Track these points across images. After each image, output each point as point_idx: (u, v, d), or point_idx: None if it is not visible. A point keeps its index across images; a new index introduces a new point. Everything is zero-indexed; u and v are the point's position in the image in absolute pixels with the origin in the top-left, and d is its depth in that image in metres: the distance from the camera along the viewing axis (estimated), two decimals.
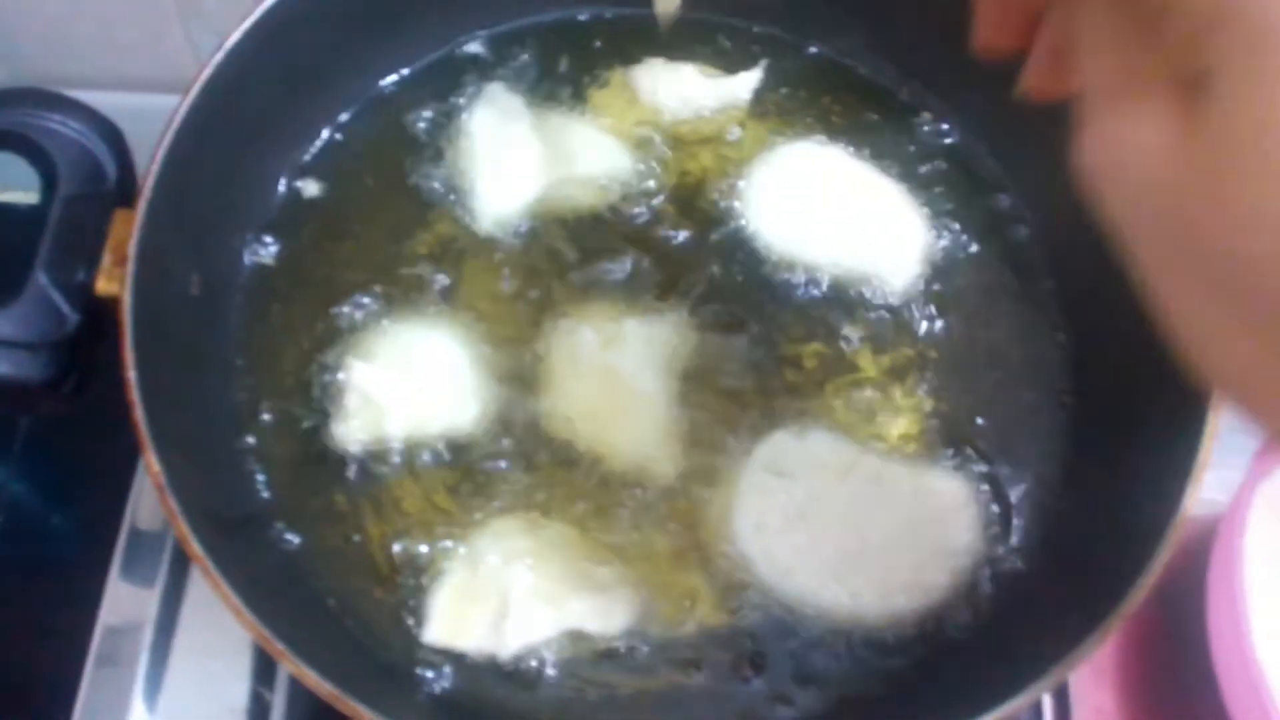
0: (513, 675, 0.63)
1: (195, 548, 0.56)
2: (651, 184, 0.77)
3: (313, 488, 0.67)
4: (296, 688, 0.73)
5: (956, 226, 0.77)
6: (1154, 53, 0.34)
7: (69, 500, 0.89)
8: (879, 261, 0.75)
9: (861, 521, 0.66)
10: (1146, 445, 0.64)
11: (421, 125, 0.79)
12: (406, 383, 0.69)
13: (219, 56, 0.67)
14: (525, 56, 0.82)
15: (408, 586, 0.65)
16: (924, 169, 0.79)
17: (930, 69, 0.80)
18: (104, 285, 0.62)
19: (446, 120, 0.79)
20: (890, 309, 0.74)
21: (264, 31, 0.68)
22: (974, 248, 0.76)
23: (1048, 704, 0.75)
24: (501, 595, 0.63)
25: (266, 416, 0.69)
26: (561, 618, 0.63)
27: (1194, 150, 0.32)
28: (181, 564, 0.77)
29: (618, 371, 0.70)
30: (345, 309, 0.72)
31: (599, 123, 0.79)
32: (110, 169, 0.67)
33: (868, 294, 0.74)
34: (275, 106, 0.73)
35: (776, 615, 0.65)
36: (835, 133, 0.80)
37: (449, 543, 0.66)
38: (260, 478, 0.68)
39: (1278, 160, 0.30)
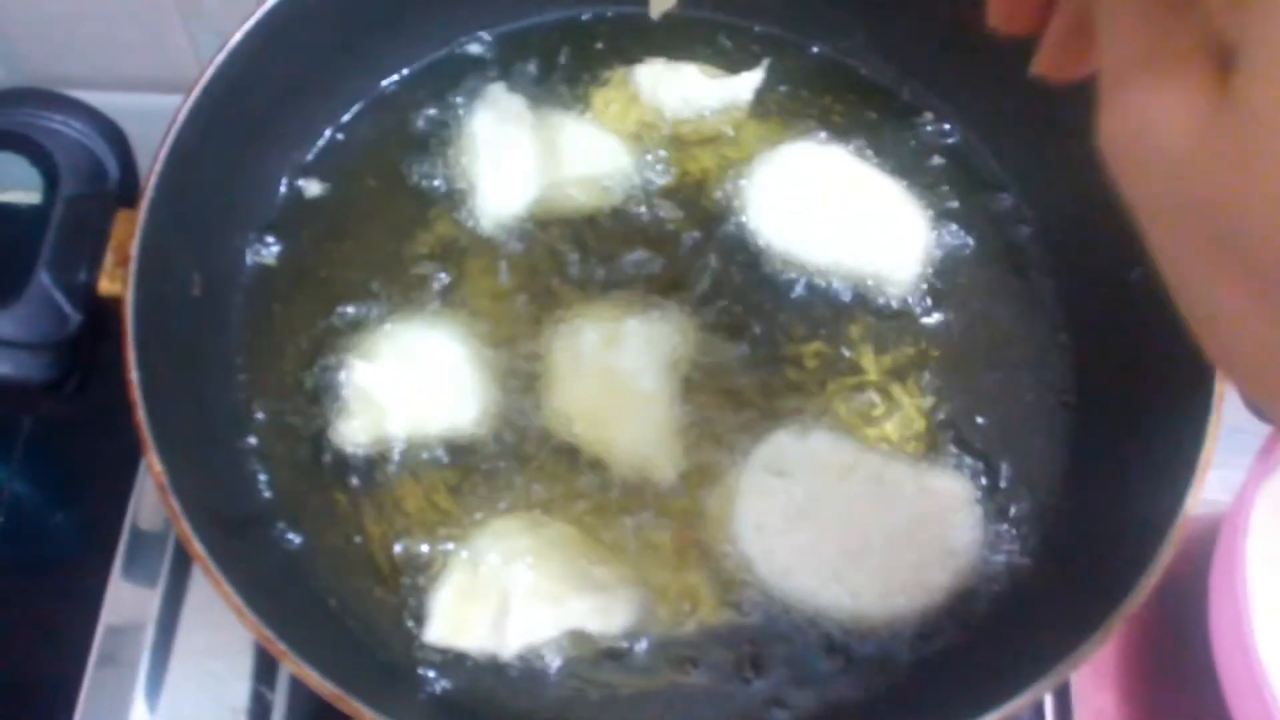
0: (514, 675, 0.63)
1: (197, 547, 0.56)
2: (653, 184, 0.77)
3: (314, 487, 0.67)
4: (297, 687, 0.73)
5: (958, 226, 0.77)
6: (1182, 24, 0.34)
7: (71, 500, 0.89)
8: (880, 261, 0.75)
9: (862, 521, 0.66)
10: (1148, 445, 0.64)
11: (423, 125, 0.79)
12: (408, 382, 0.69)
13: (221, 56, 0.67)
14: (526, 56, 0.82)
15: (409, 586, 0.65)
16: (925, 168, 0.79)
17: (932, 68, 0.80)
18: (106, 285, 0.62)
19: (448, 120, 0.79)
20: (892, 308, 0.74)
21: (265, 31, 0.68)
22: (975, 247, 0.76)
23: (1049, 704, 0.75)
24: (502, 595, 0.63)
25: (268, 416, 0.69)
26: (562, 617, 0.63)
27: (1222, 125, 0.32)
28: (183, 564, 0.77)
29: (619, 371, 0.70)
30: (347, 309, 0.72)
31: (600, 123, 0.79)
32: (112, 169, 0.67)
33: (869, 293, 0.74)
34: (277, 106, 0.74)
35: (777, 615, 0.65)
36: (837, 132, 0.80)
37: (450, 543, 0.66)
38: (262, 477, 0.68)
39: None
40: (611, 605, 0.64)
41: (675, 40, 0.81)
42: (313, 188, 0.77)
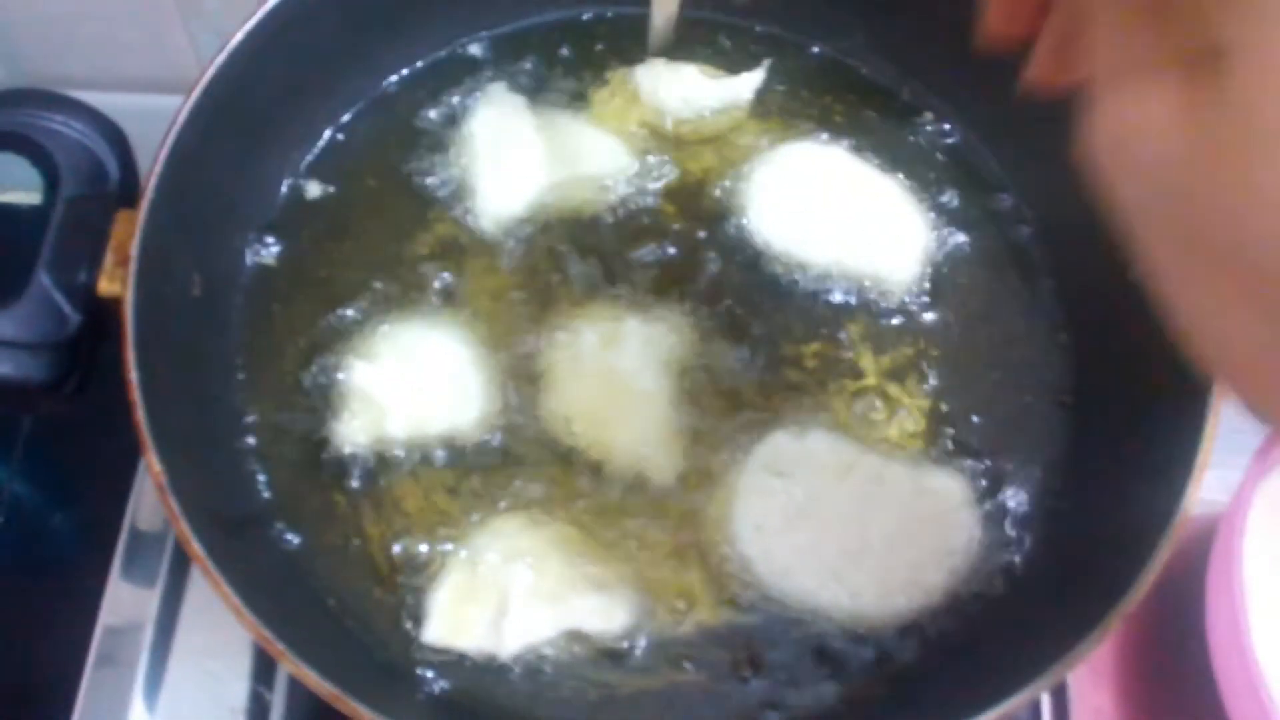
0: (512, 675, 0.63)
1: (196, 548, 0.56)
2: (653, 184, 0.77)
3: (313, 488, 0.68)
4: (296, 687, 0.73)
5: (958, 226, 0.77)
6: (1165, 29, 0.34)
7: (70, 500, 0.89)
8: (880, 261, 0.75)
9: (861, 521, 0.66)
10: (1147, 445, 0.64)
11: (423, 125, 0.79)
12: (407, 383, 0.69)
13: (221, 57, 0.67)
14: (527, 57, 0.82)
15: (407, 586, 0.65)
16: (926, 168, 0.79)
17: (932, 69, 0.80)
18: (106, 286, 0.63)
19: (448, 120, 0.79)
20: (891, 309, 0.74)
21: (266, 32, 0.68)
22: (975, 247, 0.76)
23: (1046, 703, 0.75)
24: (501, 595, 0.63)
25: (267, 416, 0.69)
26: (561, 617, 0.63)
27: (1203, 126, 0.32)
28: (182, 564, 0.77)
29: (618, 371, 0.70)
30: (347, 309, 0.72)
31: (600, 123, 0.80)
32: (112, 169, 0.67)
33: (869, 294, 0.74)
34: (277, 107, 0.74)
35: (776, 615, 0.65)
36: (837, 132, 0.80)
37: (448, 543, 0.66)
38: (261, 478, 0.68)
39: None
40: (610, 605, 0.64)
41: (675, 40, 0.81)
42: (313, 188, 0.77)
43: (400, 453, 0.68)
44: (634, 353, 0.71)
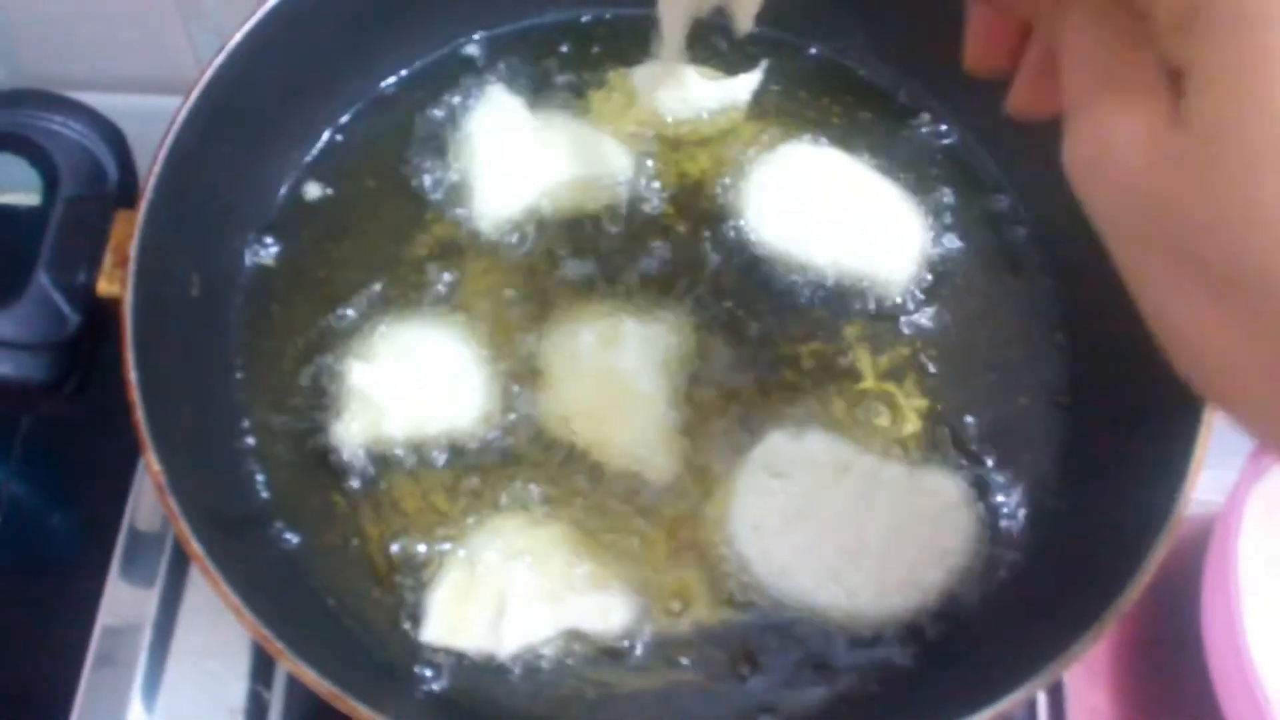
0: (511, 674, 0.63)
1: (195, 547, 0.56)
2: (651, 185, 0.77)
3: (312, 488, 0.68)
4: (295, 687, 0.73)
5: (955, 227, 0.77)
6: (1138, 51, 0.35)
7: (68, 500, 0.89)
8: (877, 262, 0.75)
9: (858, 521, 0.66)
10: (1143, 445, 0.64)
11: (422, 126, 0.79)
12: (406, 383, 0.69)
13: (220, 58, 0.67)
14: (526, 58, 0.82)
15: (406, 586, 0.65)
16: (923, 169, 0.79)
17: (929, 70, 0.80)
18: (105, 286, 0.63)
19: (447, 121, 0.79)
20: (888, 309, 0.74)
21: (265, 33, 0.69)
22: (972, 248, 0.77)
23: (1042, 702, 0.75)
24: (499, 594, 0.63)
25: (266, 416, 0.69)
26: (559, 617, 0.63)
27: (1176, 140, 0.33)
28: (180, 564, 0.77)
29: (616, 371, 0.70)
30: (345, 310, 0.72)
31: (599, 124, 0.80)
32: (111, 170, 0.67)
33: (866, 294, 0.74)
34: (276, 108, 0.74)
35: (773, 614, 0.65)
36: (834, 134, 0.80)
37: (447, 543, 0.66)
38: (260, 478, 0.68)
39: (1256, 146, 0.30)
40: (609, 604, 0.64)
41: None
42: (312, 189, 0.77)
43: (399, 453, 0.68)
44: (632, 353, 0.71)
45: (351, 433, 0.68)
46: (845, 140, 0.79)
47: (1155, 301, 0.36)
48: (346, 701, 0.54)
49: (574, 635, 0.64)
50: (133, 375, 0.59)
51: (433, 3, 0.79)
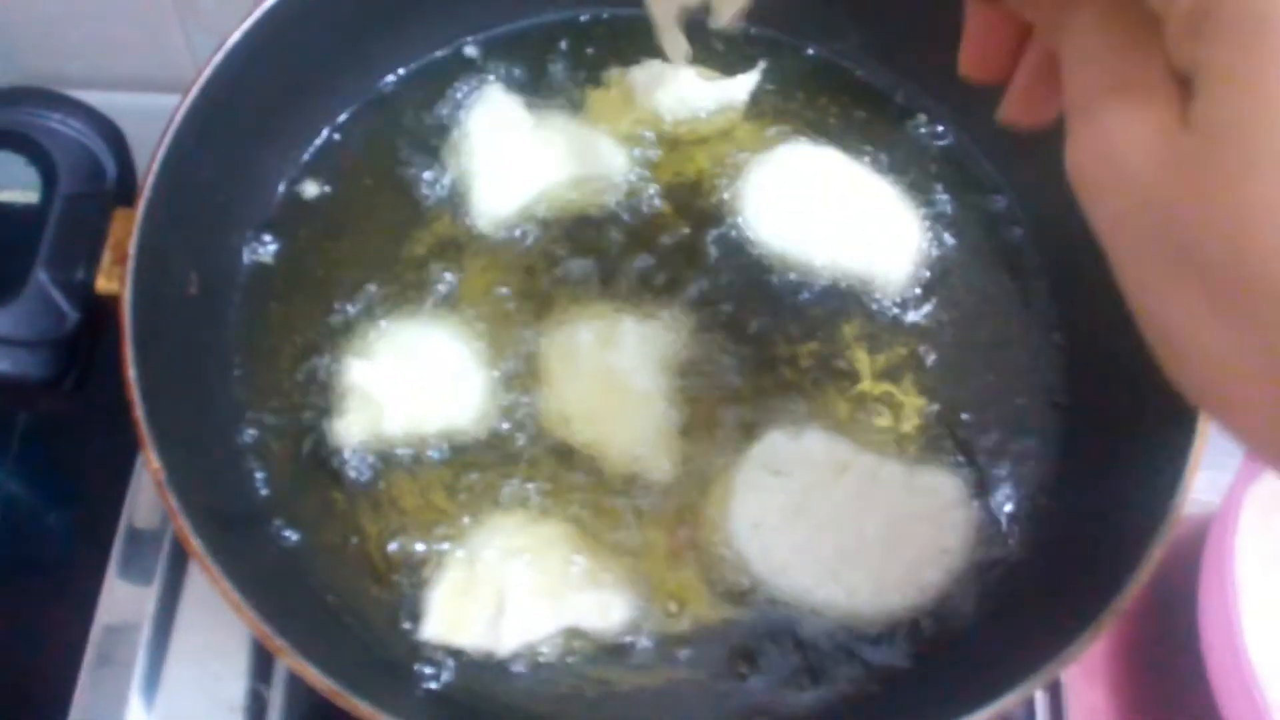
0: (511, 671, 0.63)
1: (195, 544, 0.56)
2: (649, 185, 0.78)
3: (311, 485, 0.68)
4: (294, 684, 0.73)
5: (952, 227, 0.77)
6: (1145, 54, 0.35)
7: (66, 498, 0.89)
8: (875, 262, 0.75)
9: (857, 520, 0.67)
10: (1140, 445, 0.64)
11: (420, 126, 0.79)
12: (405, 381, 0.69)
13: (218, 56, 0.67)
14: (524, 58, 0.82)
15: (405, 584, 0.65)
16: (920, 170, 0.79)
17: (926, 71, 0.81)
18: (104, 284, 0.63)
19: (445, 120, 0.79)
20: (885, 309, 0.74)
21: (263, 31, 0.68)
22: (969, 248, 0.77)
23: (1041, 701, 0.75)
24: (499, 592, 0.63)
25: (265, 414, 0.69)
26: (559, 614, 0.63)
27: (1182, 142, 0.33)
28: (179, 562, 0.77)
29: (615, 370, 0.70)
30: (344, 308, 0.72)
31: (597, 124, 0.80)
32: (110, 168, 0.67)
33: (863, 294, 0.74)
34: (274, 106, 0.74)
35: (772, 612, 0.65)
36: (832, 134, 0.80)
37: (446, 541, 0.66)
38: (259, 475, 0.68)
39: (1263, 148, 0.30)
40: (608, 602, 0.64)
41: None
42: (310, 187, 0.77)
43: (398, 450, 0.68)
44: (631, 352, 0.71)
45: (350, 431, 0.68)
46: (842, 140, 0.79)
47: (1152, 305, 0.36)
48: (347, 699, 0.53)
49: (573, 633, 0.64)
50: (132, 372, 0.58)
51: (431, 2, 0.79)
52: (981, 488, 0.69)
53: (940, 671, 0.64)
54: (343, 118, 0.80)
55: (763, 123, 0.81)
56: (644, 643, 0.64)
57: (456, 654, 0.63)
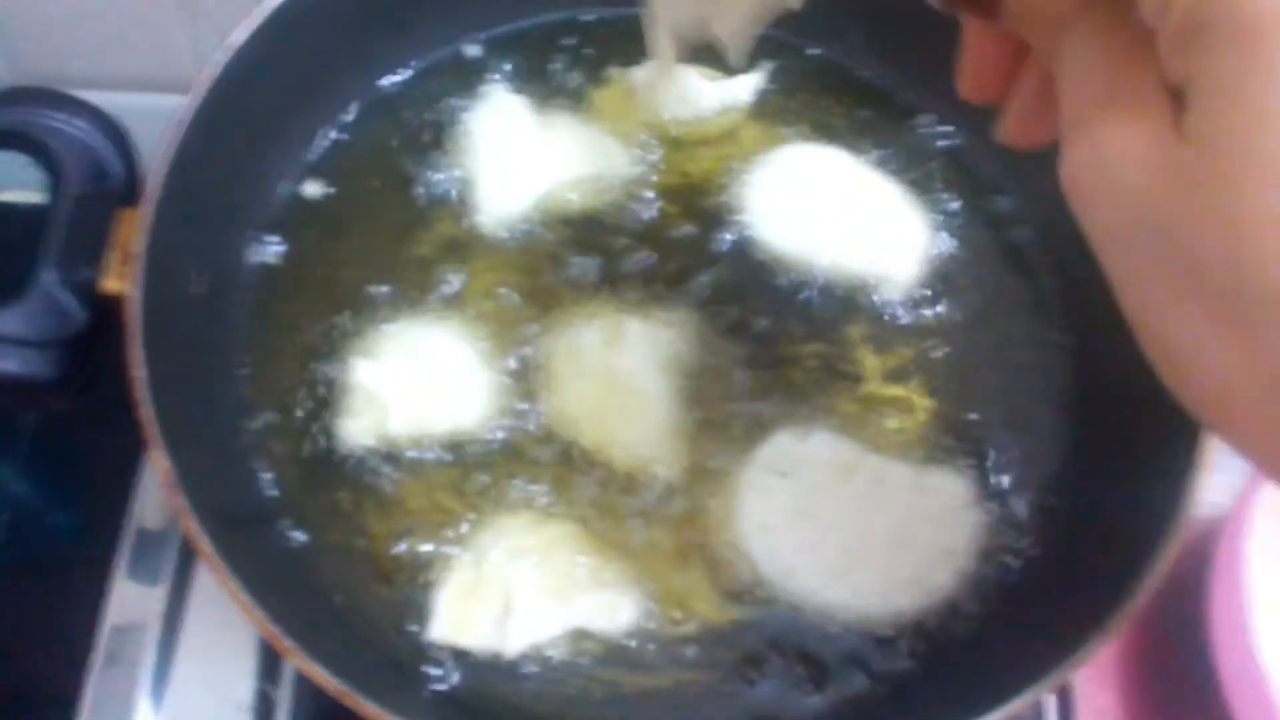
0: (518, 673, 0.63)
1: (204, 544, 0.56)
2: (653, 185, 0.77)
3: (318, 486, 0.67)
4: (302, 684, 0.73)
5: (957, 227, 0.77)
6: (1139, 65, 0.35)
7: (73, 498, 0.89)
8: (880, 262, 0.75)
9: (864, 521, 0.66)
10: (1149, 446, 0.64)
11: (424, 125, 0.79)
12: (410, 381, 0.69)
13: (223, 57, 0.67)
14: (527, 57, 0.82)
15: (412, 584, 0.65)
16: (924, 170, 0.79)
17: (930, 71, 0.79)
18: (110, 284, 0.63)
19: (449, 120, 0.79)
20: (891, 310, 0.74)
21: (266, 32, 0.68)
22: (974, 248, 0.77)
23: (1050, 705, 0.75)
24: (505, 593, 0.63)
25: (271, 414, 0.69)
26: (566, 616, 0.63)
27: (1177, 154, 0.33)
28: (187, 562, 0.77)
29: (620, 371, 0.70)
30: (349, 308, 0.72)
31: (600, 123, 0.80)
32: (116, 168, 0.67)
33: (869, 295, 0.74)
34: (278, 106, 0.74)
35: (779, 614, 0.65)
36: (836, 134, 0.80)
37: (452, 542, 0.66)
38: (266, 475, 0.68)
39: (1258, 158, 0.31)
40: (615, 603, 0.64)
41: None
42: (315, 187, 0.77)
43: (404, 451, 0.68)
44: (636, 352, 0.71)
45: (356, 431, 0.68)
46: (847, 140, 0.79)
47: (1150, 319, 0.36)
48: (356, 700, 0.53)
49: (581, 634, 0.64)
50: (139, 372, 0.58)
51: (434, 1, 0.79)
52: (989, 489, 0.69)
53: (948, 674, 0.63)
54: (347, 118, 0.79)
55: (767, 123, 0.81)
56: (650, 644, 0.64)
57: (463, 655, 0.63)
